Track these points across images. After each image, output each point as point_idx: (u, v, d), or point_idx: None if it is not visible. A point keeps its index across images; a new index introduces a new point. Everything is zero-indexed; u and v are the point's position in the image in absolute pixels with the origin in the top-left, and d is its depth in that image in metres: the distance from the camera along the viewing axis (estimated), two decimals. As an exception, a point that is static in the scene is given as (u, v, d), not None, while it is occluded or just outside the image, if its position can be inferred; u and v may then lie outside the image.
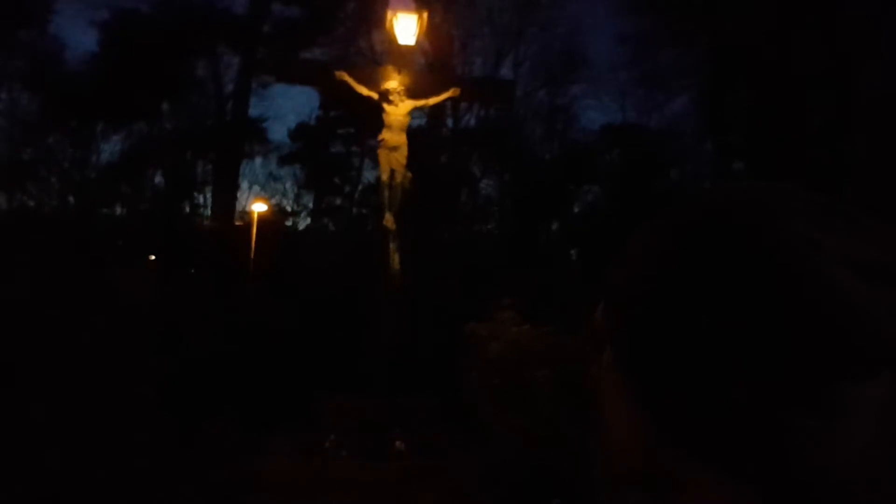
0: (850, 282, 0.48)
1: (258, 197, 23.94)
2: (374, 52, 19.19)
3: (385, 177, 7.55)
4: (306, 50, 22.04)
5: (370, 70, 8.55)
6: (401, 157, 7.47)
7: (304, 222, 28.11)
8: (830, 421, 0.47)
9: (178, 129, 24.70)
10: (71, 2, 29.01)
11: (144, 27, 21.53)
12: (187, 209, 25.26)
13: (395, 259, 7.38)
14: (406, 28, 7.58)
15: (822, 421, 0.47)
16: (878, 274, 0.48)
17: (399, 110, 7.45)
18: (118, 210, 25.28)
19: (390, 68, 7.66)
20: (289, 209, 27.74)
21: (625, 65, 29.17)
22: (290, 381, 7.24)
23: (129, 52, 21.07)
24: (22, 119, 23.22)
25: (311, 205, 28.09)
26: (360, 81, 7.53)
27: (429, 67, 15.83)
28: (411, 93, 7.51)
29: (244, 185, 25.75)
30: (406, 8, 7.64)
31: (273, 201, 25.83)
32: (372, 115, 8.17)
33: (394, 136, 7.48)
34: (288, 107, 48.44)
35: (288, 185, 27.95)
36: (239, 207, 24.15)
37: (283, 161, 27.49)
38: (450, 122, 23.11)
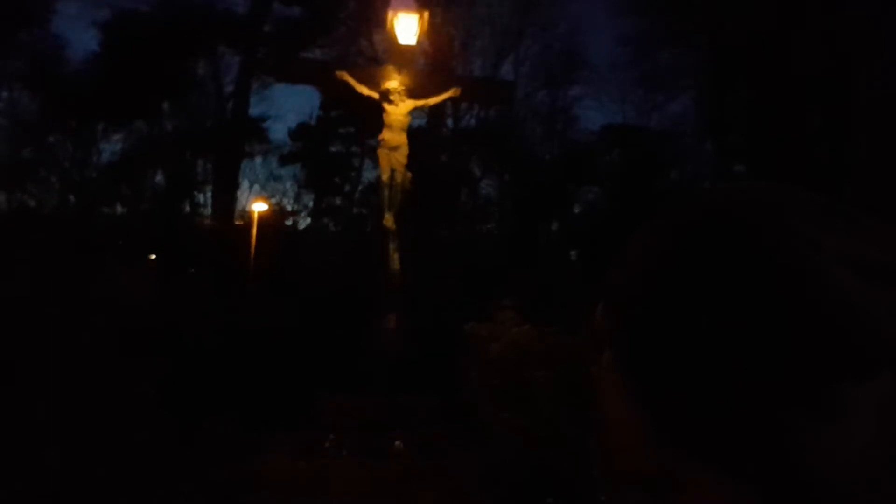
0: (850, 282, 0.48)
1: (258, 196, 23.96)
2: (375, 52, 19.21)
3: (385, 176, 7.55)
4: (307, 49, 22.07)
5: (371, 70, 8.56)
6: (401, 156, 7.48)
7: (304, 222, 28.15)
8: (830, 421, 0.47)
9: (178, 129, 24.71)
10: (71, 2, 29.09)
11: (145, 27, 21.53)
12: (187, 209, 25.28)
13: (395, 259, 7.38)
14: (407, 28, 7.58)
15: (822, 421, 0.47)
16: (878, 274, 0.48)
17: (399, 110, 7.45)
18: (118, 209, 25.32)
19: (391, 68, 7.66)
20: (289, 209, 27.76)
21: (625, 65, 29.27)
22: (290, 381, 7.23)
23: (129, 51, 21.07)
24: (22, 119, 23.24)
25: (311, 204, 28.12)
26: (361, 81, 7.54)
27: (429, 67, 15.82)
28: (412, 93, 7.51)
29: (244, 184, 25.80)
30: (407, 8, 7.64)
31: (273, 201, 25.85)
32: (372, 114, 8.18)
33: (394, 136, 7.48)
34: (288, 106, 48.65)
35: (288, 184, 28.00)
36: (239, 207, 24.19)
37: (284, 161, 27.51)
38: (450, 122, 23.15)
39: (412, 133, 7.97)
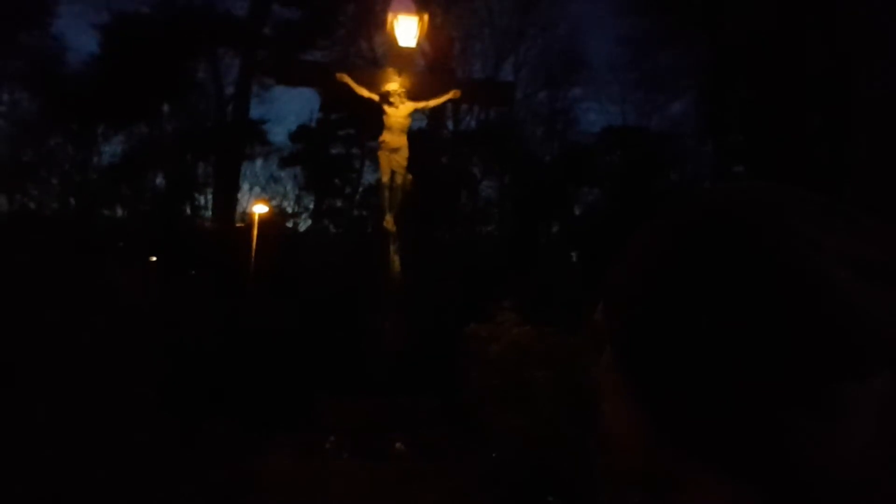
0: (850, 282, 0.48)
1: (259, 198, 23.95)
2: (375, 54, 19.23)
3: (385, 178, 7.55)
4: (307, 52, 22.09)
5: (371, 72, 8.56)
6: (401, 158, 7.48)
7: (304, 224, 28.16)
8: (830, 421, 0.47)
9: (178, 131, 24.72)
10: (72, 3, 29.06)
11: (145, 29, 21.55)
12: (188, 210, 25.28)
13: (396, 260, 7.38)
14: (406, 30, 7.59)
15: (822, 421, 0.47)
16: (878, 274, 0.48)
17: (399, 112, 7.45)
18: (119, 211, 25.33)
19: (391, 70, 7.66)
20: (289, 211, 27.78)
21: (625, 66, 29.27)
22: (291, 382, 7.23)
23: (129, 53, 21.08)
24: (23, 120, 23.25)
25: (311, 206, 28.12)
26: (361, 83, 7.54)
27: (429, 69, 15.84)
28: (412, 95, 7.52)
29: (245, 186, 25.81)
30: (406, 10, 7.64)
31: (274, 203, 25.86)
32: (372, 116, 8.18)
33: (394, 138, 7.48)
34: (288, 108, 48.66)
35: (288, 186, 28.01)
36: (240, 209, 24.20)
37: (284, 163, 27.52)
38: (450, 123, 23.17)
39: (412, 135, 7.97)
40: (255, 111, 24.93)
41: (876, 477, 0.49)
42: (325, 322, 9.34)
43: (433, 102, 7.84)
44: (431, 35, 12.57)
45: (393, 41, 7.73)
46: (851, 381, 0.47)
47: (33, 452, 4.09)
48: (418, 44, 7.95)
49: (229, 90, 23.69)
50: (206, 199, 25.22)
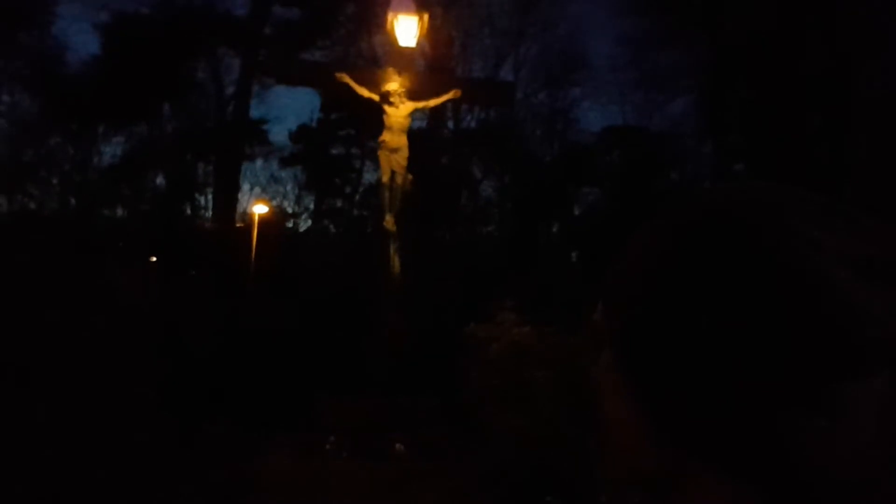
0: (850, 281, 0.48)
1: (259, 198, 23.94)
2: (375, 54, 19.21)
3: (385, 178, 7.55)
4: (307, 51, 22.09)
5: (371, 72, 8.57)
6: (401, 158, 7.48)
7: (304, 224, 28.13)
8: (830, 421, 0.47)
9: (178, 131, 24.71)
10: (72, 4, 29.07)
11: (145, 29, 21.54)
12: (188, 210, 25.28)
13: (396, 260, 7.38)
14: (406, 30, 7.59)
15: (822, 421, 0.47)
16: (878, 274, 0.48)
17: (399, 112, 7.45)
18: (119, 211, 25.32)
19: (391, 70, 7.66)
20: (290, 211, 27.76)
21: (625, 66, 29.21)
22: (291, 382, 7.24)
23: (129, 53, 21.08)
24: (23, 120, 23.25)
25: (311, 206, 28.10)
26: (361, 83, 7.54)
27: (429, 69, 15.83)
28: (412, 94, 7.52)
29: (245, 186, 25.78)
30: (406, 10, 7.64)
31: (274, 203, 25.84)
32: (372, 116, 8.18)
33: (394, 138, 7.48)
34: (289, 108, 48.59)
35: (289, 186, 27.98)
36: (240, 209, 24.18)
37: (284, 163, 27.50)
38: (450, 123, 23.16)
39: (412, 135, 7.97)
40: (256, 111, 24.90)
41: (876, 477, 0.49)
42: (325, 322, 9.34)
43: (433, 102, 7.84)
44: (431, 35, 12.55)
45: (393, 41, 7.73)
46: (851, 381, 0.47)
47: (33, 452, 4.09)
48: (418, 43, 7.95)
49: (229, 90, 23.71)
50: (206, 199, 25.24)
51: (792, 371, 0.47)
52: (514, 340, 6.18)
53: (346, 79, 7.52)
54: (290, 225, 26.78)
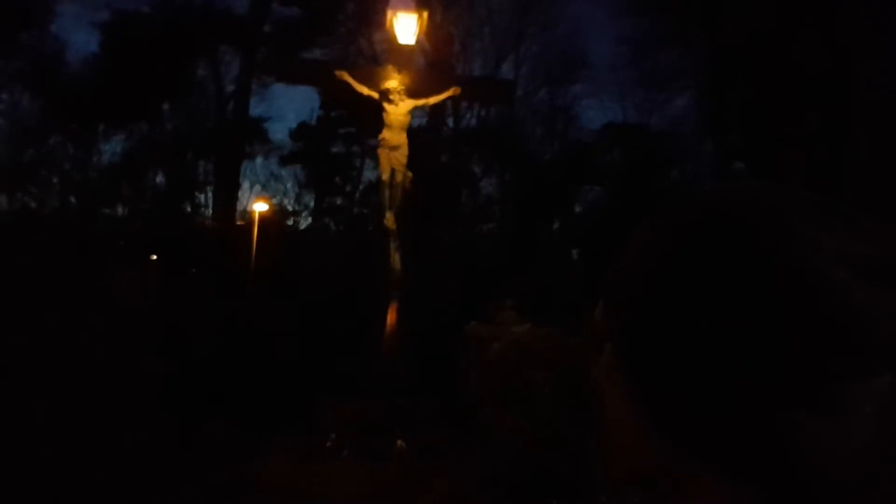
0: (850, 281, 0.48)
1: (259, 197, 23.92)
2: (375, 52, 19.22)
3: (385, 176, 7.55)
4: (307, 50, 22.10)
5: (370, 70, 8.56)
6: (401, 156, 7.47)
7: (305, 222, 28.14)
8: (830, 421, 0.47)
9: (178, 130, 24.73)
10: (72, 3, 29.07)
11: (145, 28, 21.55)
12: (188, 209, 25.31)
13: (396, 259, 7.37)
14: (406, 27, 7.58)
15: (822, 421, 0.47)
16: (878, 274, 0.48)
17: (399, 110, 7.45)
18: (119, 210, 25.33)
19: (390, 68, 7.66)
20: (290, 209, 27.76)
21: (625, 65, 29.29)
22: (291, 383, 7.23)
23: (129, 52, 21.09)
24: (23, 120, 23.26)
25: (311, 204, 28.11)
26: (361, 81, 7.53)
27: (429, 67, 15.83)
28: (411, 92, 7.51)
29: (245, 184, 25.82)
30: (406, 7, 7.64)
31: (274, 201, 25.84)
32: (372, 114, 8.17)
33: (394, 136, 7.48)
34: (289, 107, 48.72)
35: (289, 184, 27.99)
36: (240, 207, 24.22)
37: (284, 161, 27.51)
38: (450, 121, 23.17)
39: (412, 133, 7.97)
40: (256, 109, 24.94)
41: (876, 477, 0.49)
42: (325, 322, 9.34)
43: (433, 100, 7.84)
44: (431, 32, 12.56)
45: (392, 39, 7.73)
46: (851, 381, 0.47)
47: (33, 453, 4.09)
48: (418, 41, 7.95)
49: (229, 88, 23.74)
50: (206, 198, 25.27)
51: (792, 371, 0.47)
52: (514, 339, 6.18)
53: (346, 77, 7.51)
54: (290, 223, 26.80)
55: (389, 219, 7.42)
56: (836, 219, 0.51)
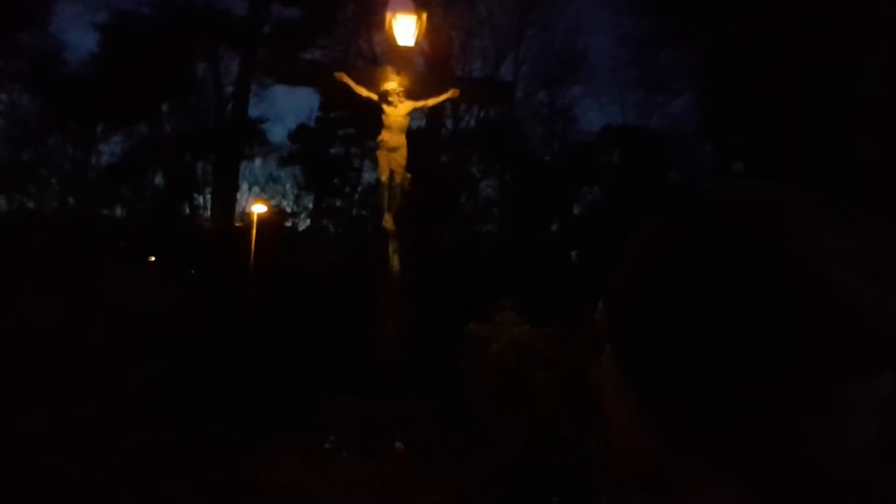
0: (850, 281, 0.48)
1: (258, 198, 23.93)
2: (374, 54, 19.22)
3: (385, 178, 7.54)
4: (306, 51, 22.13)
5: (369, 71, 8.56)
6: (400, 158, 7.47)
7: (304, 223, 28.13)
8: (830, 421, 0.47)
9: (178, 131, 24.73)
10: (71, 3, 29.07)
11: (144, 28, 21.55)
12: (187, 210, 25.29)
13: (395, 260, 7.37)
14: (405, 29, 7.58)
15: (822, 421, 0.47)
16: (878, 273, 0.48)
17: (398, 111, 7.45)
18: (118, 211, 25.32)
19: (389, 69, 7.65)
20: (289, 210, 27.75)
21: (625, 65, 29.27)
22: (290, 383, 7.23)
23: (129, 53, 21.08)
24: (22, 120, 23.24)
25: (310, 206, 28.12)
26: (360, 82, 7.53)
27: (428, 68, 15.84)
28: (410, 94, 7.51)
29: (244, 186, 25.80)
30: (405, 9, 7.63)
31: (273, 202, 25.83)
32: (371, 116, 8.17)
33: (393, 137, 7.48)
34: (288, 108, 48.65)
35: (288, 186, 27.98)
36: (239, 208, 24.20)
37: (283, 162, 27.53)
38: (449, 123, 23.17)
39: (412, 134, 7.96)
40: (255, 110, 24.98)
41: (876, 477, 0.49)
42: (324, 322, 9.34)
43: (432, 101, 7.84)
44: (430, 34, 12.56)
45: (392, 40, 7.72)
46: (851, 381, 0.47)
47: (33, 453, 4.09)
48: (417, 43, 7.94)
49: (228, 90, 23.74)
50: (205, 199, 25.25)
51: (792, 371, 0.47)
52: (514, 339, 6.18)
53: (345, 78, 7.51)
54: (289, 224, 26.79)
55: (388, 220, 7.42)
56: (837, 218, 0.51)
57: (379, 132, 7.62)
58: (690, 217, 0.54)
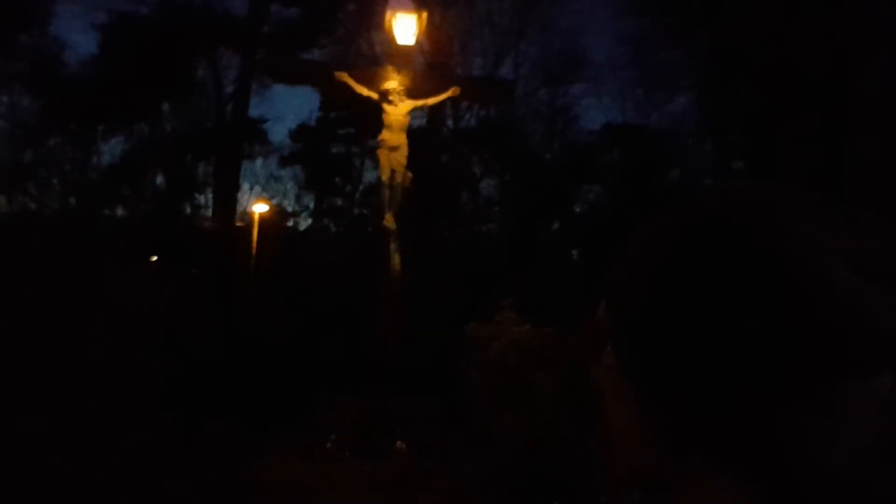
0: (850, 281, 0.47)
1: (259, 198, 23.89)
2: (374, 53, 19.19)
3: (385, 177, 7.55)
4: (306, 51, 22.10)
5: (370, 70, 8.55)
6: (401, 157, 7.47)
7: (304, 223, 28.12)
8: (830, 421, 0.47)
9: (178, 131, 24.71)
10: (71, 4, 29.04)
11: (144, 28, 21.54)
12: (188, 210, 25.28)
13: (396, 259, 7.37)
14: (405, 28, 7.58)
15: (823, 421, 0.47)
16: (878, 274, 0.48)
17: (399, 110, 7.45)
18: (119, 211, 25.30)
19: (390, 68, 7.65)
20: (290, 210, 27.75)
21: (625, 65, 29.24)
22: (291, 383, 7.23)
23: (129, 53, 21.07)
24: (22, 121, 23.24)
25: (311, 205, 28.10)
26: (360, 82, 7.53)
27: (428, 67, 15.83)
28: (411, 93, 7.51)
29: (245, 185, 25.75)
30: (405, 8, 7.63)
31: (274, 202, 25.81)
32: (372, 115, 8.17)
33: (394, 137, 7.48)
34: (288, 108, 48.63)
35: (289, 185, 27.95)
36: (240, 208, 24.15)
37: (284, 162, 27.50)
38: (450, 122, 23.15)
39: (412, 133, 7.96)
40: (255, 110, 24.93)
41: (876, 477, 0.49)
42: (325, 322, 9.34)
43: (432, 100, 7.84)
44: (430, 33, 12.54)
45: (392, 39, 7.72)
46: (851, 381, 0.47)
47: (33, 454, 4.09)
48: (417, 42, 7.95)
49: (229, 89, 23.69)
50: (206, 199, 25.22)
51: (792, 371, 0.47)
52: (514, 339, 6.18)
53: (345, 78, 7.51)
54: (290, 224, 26.79)
55: (389, 219, 7.42)
56: (837, 218, 0.51)
57: (379, 131, 7.62)
58: (690, 217, 0.54)
